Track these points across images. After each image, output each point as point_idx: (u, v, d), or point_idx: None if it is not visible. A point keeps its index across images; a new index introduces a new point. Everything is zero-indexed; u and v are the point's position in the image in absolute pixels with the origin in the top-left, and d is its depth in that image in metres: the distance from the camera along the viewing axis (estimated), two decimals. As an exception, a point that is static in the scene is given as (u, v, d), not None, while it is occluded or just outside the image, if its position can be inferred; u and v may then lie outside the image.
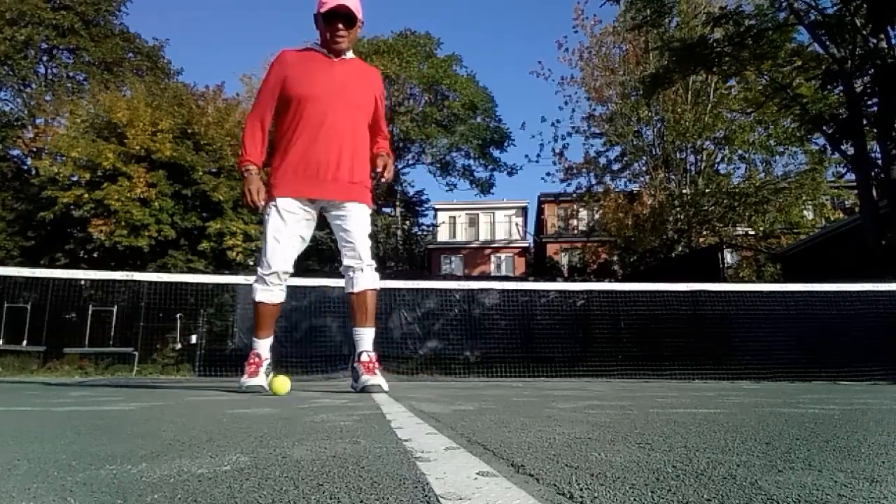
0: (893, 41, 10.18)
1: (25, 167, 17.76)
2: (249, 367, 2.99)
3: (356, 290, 2.97)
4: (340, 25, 2.79)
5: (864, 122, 10.88)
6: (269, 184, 2.89)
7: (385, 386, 2.83)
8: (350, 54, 2.97)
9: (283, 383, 2.73)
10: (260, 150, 2.94)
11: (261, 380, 2.94)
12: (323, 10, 2.75)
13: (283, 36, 59.83)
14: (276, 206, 2.85)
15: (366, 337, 2.98)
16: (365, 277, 2.97)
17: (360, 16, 2.82)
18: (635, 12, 13.77)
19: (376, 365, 2.93)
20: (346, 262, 3.00)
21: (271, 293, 2.93)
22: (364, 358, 2.92)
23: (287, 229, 2.87)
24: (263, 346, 3.05)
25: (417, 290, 9.61)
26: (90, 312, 11.10)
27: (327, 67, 2.88)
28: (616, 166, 20.72)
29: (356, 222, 2.94)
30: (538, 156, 55.89)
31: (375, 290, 3.02)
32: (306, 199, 2.88)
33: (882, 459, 0.89)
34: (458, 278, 19.57)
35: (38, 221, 14.04)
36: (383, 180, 3.06)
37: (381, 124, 3.12)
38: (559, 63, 32.35)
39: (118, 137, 14.04)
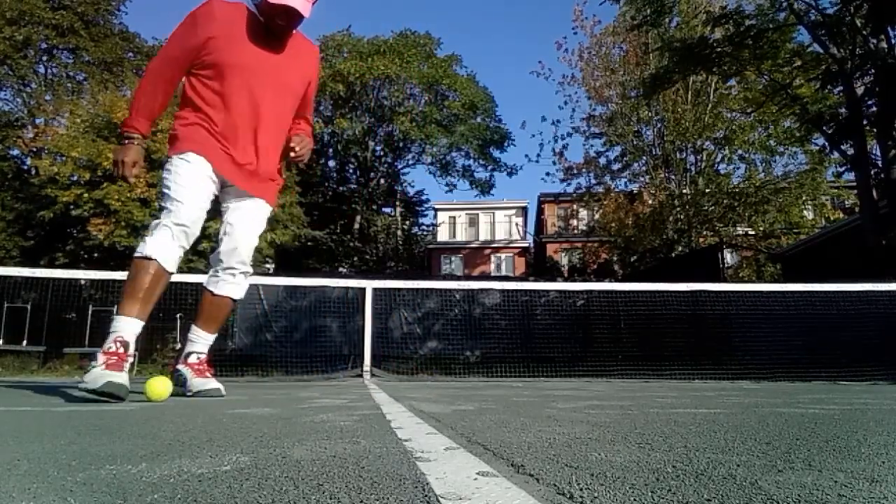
0: (893, 41, 10.18)
1: (25, 167, 17.77)
2: (109, 357, 2.17)
3: (218, 292, 2.62)
4: (281, 23, 2.40)
5: (864, 122, 10.87)
6: (177, 137, 2.42)
7: (222, 389, 2.58)
8: None
9: (161, 386, 2.21)
10: (152, 118, 2.46)
11: (123, 377, 2.13)
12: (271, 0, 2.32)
13: (283, 36, 59.72)
14: (188, 159, 2.36)
15: (205, 341, 2.68)
16: (235, 284, 2.63)
17: (307, 15, 2.40)
18: (635, 11, 13.76)
19: (207, 367, 2.65)
20: (223, 257, 2.59)
21: (168, 251, 2.29)
22: (193, 360, 2.63)
23: (197, 184, 2.36)
24: (130, 329, 2.28)
25: (417, 290, 9.61)
26: (90, 312, 11.09)
27: (262, 37, 2.43)
28: (616, 166, 20.76)
29: (253, 222, 2.59)
30: (538, 156, 56.01)
31: (236, 300, 2.69)
32: (217, 173, 2.42)
33: (882, 459, 0.89)
34: (458, 278, 19.57)
35: (38, 221, 14.04)
36: (296, 159, 2.62)
37: (307, 108, 2.75)
38: (559, 63, 32.42)
39: (118, 137, 14.05)
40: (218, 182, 2.47)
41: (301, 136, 2.62)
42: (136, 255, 2.29)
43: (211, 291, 2.63)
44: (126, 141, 2.41)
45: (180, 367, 2.65)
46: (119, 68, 19.51)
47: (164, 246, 2.28)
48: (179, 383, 2.58)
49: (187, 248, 2.40)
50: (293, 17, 2.39)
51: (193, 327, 2.70)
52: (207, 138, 2.39)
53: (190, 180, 2.35)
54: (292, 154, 2.57)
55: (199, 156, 2.37)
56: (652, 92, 14.72)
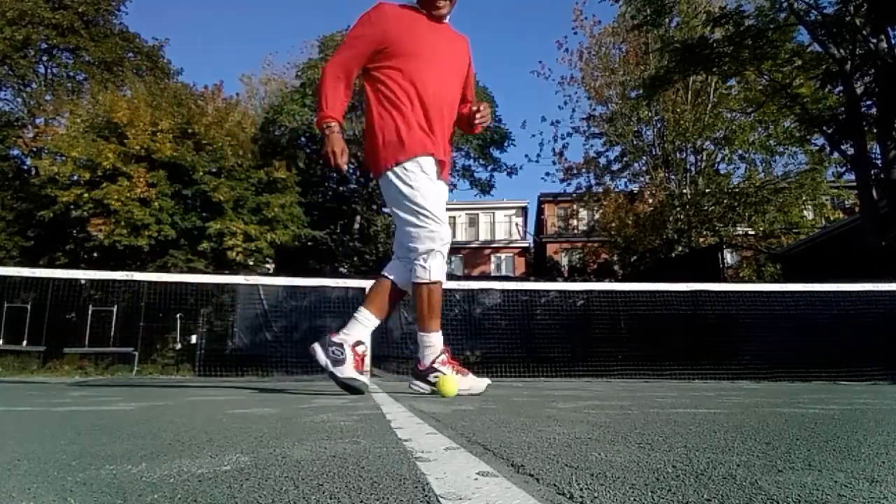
0: (893, 41, 10.18)
1: (25, 167, 17.77)
2: (454, 364, 2.57)
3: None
4: (442, 5, 2.54)
5: (864, 122, 10.87)
6: (393, 143, 2.48)
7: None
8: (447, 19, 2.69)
9: (452, 384, 2.45)
10: (341, 106, 2.57)
11: (472, 381, 2.53)
12: None
13: (282, 35, 59.87)
14: (419, 166, 2.44)
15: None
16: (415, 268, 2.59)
17: None
18: (635, 11, 13.77)
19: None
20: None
21: (444, 271, 2.52)
22: (360, 350, 2.68)
23: (436, 192, 2.48)
24: (440, 340, 2.57)
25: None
26: (90, 312, 11.09)
27: (433, 29, 2.58)
28: (616, 166, 20.77)
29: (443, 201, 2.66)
30: (538, 155, 55.97)
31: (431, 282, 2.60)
32: (437, 161, 2.51)
33: (882, 459, 0.89)
34: (458, 278, 19.57)
35: (38, 221, 14.04)
36: (481, 122, 2.72)
37: (470, 91, 2.85)
38: (559, 63, 32.43)
39: (118, 137, 14.05)
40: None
41: (483, 105, 2.72)
42: (423, 281, 2.51)
43: (393, 283, 2.66)
44: (327, 131, 2.51)
45: (346, 346, 2.66)
46: (119, 68, 19.50)
47: (440, 270, 2.52)
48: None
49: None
50: None
51: (364, 310, 2.71)
52: (423, 137, 2.48)
53: (428, 189, 2.46)
54: (478, 119, 2.66)
55: (426, 157, 2.47)
56: (652, 92, 14.73)
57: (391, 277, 2.68)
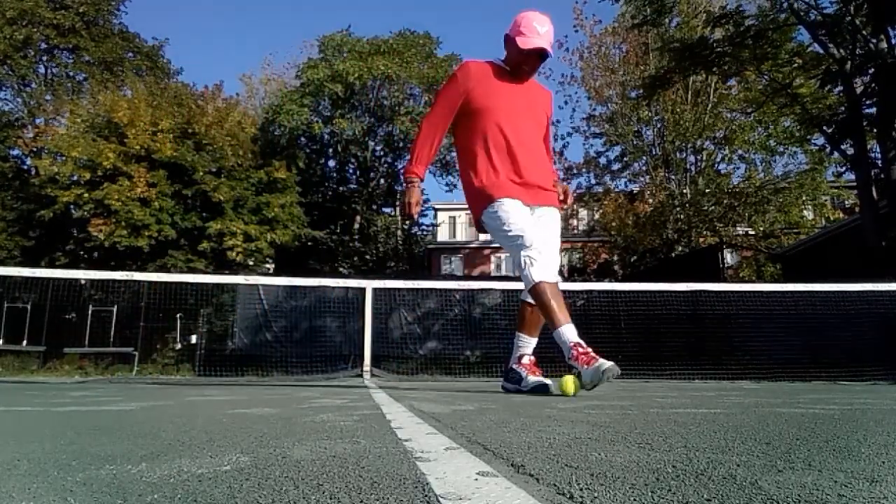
0: (893, 41, 10.18)
1: (25, 166, 17.76)
2: (590, 357, 2.60)
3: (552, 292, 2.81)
4: (528, 68, 2.90)
5: (864, 122, 10.87)
6: (482, 190, 2.82)
7: (552, 387, 2.85)
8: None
9: (572, 384, 2.59)
10: (425, 164, 2.94)
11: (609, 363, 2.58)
12: (525, 47, 2.78)
13: (282, 35, 59.87)
14: (503, 204, 2.77)
15: (528, 344, 3.05)
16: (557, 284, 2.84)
17: (552, 54, 2.88)
18: (635, 11, 13.76)
19: (536, 367, 3.00)
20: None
21: (546, 269, 2.72)
22: (525, 360, 3.02)
23: (523, 216, 2.77)
24: (573, 333, 2.69)
25: (417, 290, 9.60)
26: (90, 312, 11.10)
27: (515, 84, 2.92)
28: (616, 166, 20.76)
29: (555, 228, 2.96)
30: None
31: (553, 283, 2.79)
32: (524, 204, 2.84)
33: (882, 459, 0.89)
34: (458, 278, 19.57)
35: (38, 221, 14.04)
36: (565, 208, 3.07)
37: (548, 144, 3.15)
38: (559, 63, 32.42)
39: (118, 137, 14.04)
40: (532, 212, 2.88)
41: (563, 184, 3.08)
42: (528, 286, 2.76)
43: (529, 303, 2.97)
44: (409, 185, 2.91)
45: (515, 366, 3.04)
46: (119, 68, 19.50)
47: (539, 269, 2.71)
48: (514, 381, 3.02)
49: (551, 258, 2.79)
50: (543, 58, 2.89)
51: (519, 334, 3.09)
52: (505, 181, 2.81)
53: (510, 215, 2.76)
54: (564, 205, 3.01)
55: (510, 199, 2.79)
56: (652, 92, 14.73)
57: (522, 298, 3.08)
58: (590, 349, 2.61)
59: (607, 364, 2.50)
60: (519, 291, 3.24)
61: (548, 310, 2.69)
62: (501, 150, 2.82)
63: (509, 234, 2.75)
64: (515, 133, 2.83)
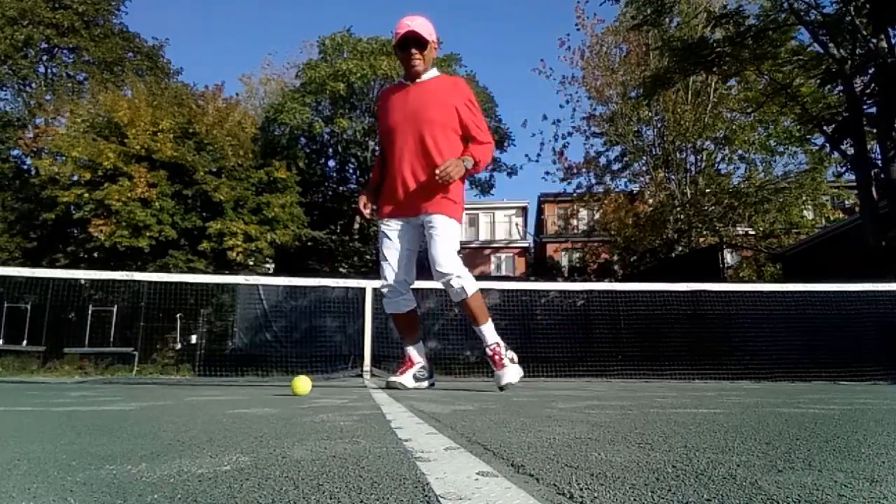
0: (893, 41, 10.17)
1: (26, 166, 17.76)
2: (400, 367, 3.30)
3: (454, 300, 3.19)
4: (414, 50, 3.03)
5: (864, 122, 10.87)
6: (374, 209, 3.32)
7: (511, 377, 3.08)
8: (431, 73, 3.18)
9: (301, 384, 2.75)
10: (374, 178, 3.38)
11: (404, 379, 3.23)
12: (395, 41, 3.07)
13: (282, 35, 59.87)
14: (379, 226, 3.24)
15: (483, 333, 3.17)
16: (453, 289, 3.11)
17: (430, 37, 3.04)
18: (636, 11, 13.76)
19: (502, 357, 3.11)
20: (435, 277, 3.19)
21: (395, 303, 3.24)
22: (487, 352, 3.17)
23: (392, 245, 3.19)
24: (412, 350, 3.34)
25: (417, 289, 9.58)
26: (90, 312, 11.10)
27: (403, 96, 3.15)
28: (616, 166, 20.74)
29: (434, 234, 3.09)
30: (538, 155, 55.77)
31: (466, 297, 3.12)
32: (398, 218, 3.19)
33: (882, 459, 0.89)
34: (458, 278, 19.50)
35: (39, 222, 14.04)
36: (442, 179, 3.02)
37: (470, 130, 3.17)
38: (560, 62, 32.43)
39: (119, 137, 14.04)
40: (410, 223, 3.20)
41: (447, 161, 3.04)
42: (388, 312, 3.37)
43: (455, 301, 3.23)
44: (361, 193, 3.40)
45: (488, 358, 3.27)
46: (119, 68, 19.50)
47: (387, 304, 3.34)
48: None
49: (403, 292, 3.29)
50: (416, 42, 3.02)
51: (474, 328, 3.26)
52: (385, 201, 3.22)
53: (381, 247, 3.25)
54: (438, 176, 3.00)
55: (382, 219, 3.23)
56: (652, 93, 14.72)
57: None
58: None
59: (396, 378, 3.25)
60: (518, 291, 3.37)
61: (399, 332, 3.40)
62: (390, 166, 3.16)
63: (379, 259, 3.28)
64: (397, 146, 3.10)
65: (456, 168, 3.02)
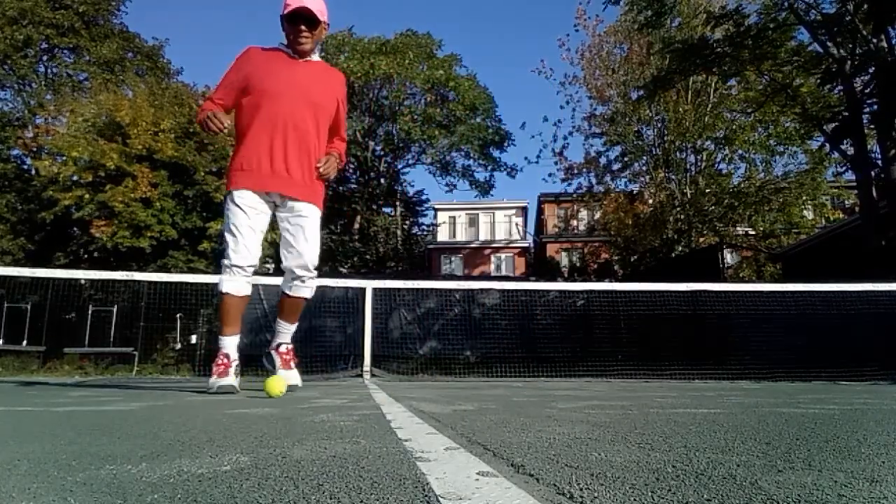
0: (893, 41, 10.17)
1: (26, 166, 17.75)
2: (217, 368, 2.88)
3: (293, 294, 3.08)
4: (303, 27, 2.80)
5: (865, 121, 10.88)
6: (227, 177, 2.91)
7: (299, 381, 3.11)
8: (315, 56, 2.96)
9: (277, 384, 2.65)
10: (219, 107, 2.89)
11: (231, 379, 2.85)
12: (285, 11, 2.77)
13: (282, 35, 59.69)
14: (232, 198, 2.83)
15: (289, 331, 3.18)
16: (306, 287, 3.06)
17: (323, 18, 2.83)
18: (636, 12, 13.76)
19: (293, 357, 3.16)
20: (287, 263, 3.00)
21: (237, 283, 2.88)
22: (283, 349, 3.16)
23: (247, 221, 2.85)
24: (230, 345, 2.95)
25: (417, 290, 9.59)
26: (90, 312, 11.10)
27: (291, 66, 2.87)
28: (616, 166, 20.75)
29: (306, 225, 2.93)
30: (538, 157, 55.80)
31: (310, 298, 3.12)
32: (263, 192, 2.86)
33: (882, 459, 0.89)
34: (458, 278, 19.56)
35: (40, 223, 14.03)
36: (323, 177, 2.96)
37: (340, 128, 3.10)
38: (561, 62, 32.44)
39: (121, 137, 14.03)
40: (268, 201, 2.90)
41: (328, 156, 2.96)
42: (219, 292, 2.93)
43: (287, 294, 3.10)
44: (210, 111, 2.84)
45: (272, 352, 3.20)
46: (120, 68, 19.49)
47: (228, 282, 2.90)
48: (271, 366, 3.17)
49: (247, 274, 2.92)
50: (308, 20, 2.80)
51: (278, 321, 3.19)
52: (250, 170, 2.83)
53: (235, 221, 2.84)
54: (319, 172, 2.90)
55: (241, 190, 2.83)
56: (653, 94, 14.73)
57: (282, 289, 3.23)
58: (223, 362, 2.90)
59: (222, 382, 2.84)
60: (518, 291, 3.29)
61: (222, 317, 2.96)
62: (264, 135, 2.80)
63: (226, 232, 2.90)
64: (281, 116, 2.80)
65: (334, 167, 2.99)
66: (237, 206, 2.83)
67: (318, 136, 2.92)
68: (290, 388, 2.94)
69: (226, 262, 2.86)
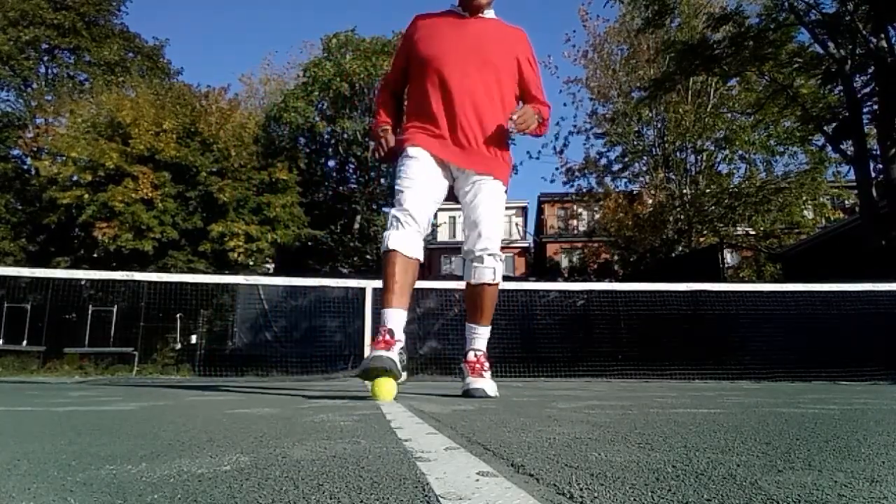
0: (893, 41, 10.18)
1: (26, 166, 17.76)
2: (377, 344, 2.27)
3: (472, 281, 2.64)
4: None
5: (865, 121, 10.88)
6: (399, 139, 2.62)
7: (491, 391, 2.55)
8: (491, 13, 2.66)
9: (385, 387, 2.20)
10: (391, 114, 2.73)
11: (393, 355, 2.21)
12: None
13: (282, 35, 59.84)
14: (407, 154, 2.52)
15: (478, 335, 2.71)
16: (487, 269, 2.59)
17: None
18: (637, 13, 13.77)
19: (484, 365, 2.65)
20: (467, 245, 2.62)
21: (405, 237, 2.41)
22: (471, 357, 2.67)
23: (422, 173, 2.49)
24: (393, 319, 2.33)
25: (417, 289, 9.56)
26: (90, 312, 11.11)
27: (460, 26, 2.60)
28: (616, 167, 20.75)
29: (486, 200, 2.57)
30: (539, 153, 55.66)
31: (495, 285, 2.64)
32: (439, 159, 2.54)
33: (882, 459, 0.89)
34: (459, 278, 19.52)
35: (43, 226, 14.04)
36: (519, 129, 2.52)
37: (531, 90, 2.71)
38: (563, 59, 32.40)
39: (122, 138, 14.02)
40: (446, 172, 2.59)
41: (522, 108, 2.58)
42: (384, 248, 2.45)
43: (469, 283, 2.67)
44: (381, 132, 2.68)
45: (462, 364, 2.73)
46: (120, 68, 19.50)
47: (396, 237, 2.42)
48: (461, 377, 2.74)
49: (420, 228, 2.46)
50: None
51: (468, 325, 2.76)
52: (424, 135, 2.53)
53: (407, 171, 2.49)
54: (510, 123, 2.50)
55: (416, 147, 2.52)
56: (655, 96, 14.74)
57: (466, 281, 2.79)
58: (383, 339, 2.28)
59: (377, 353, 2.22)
60: (518, 291, 3.17)
61: (386, 282, 2.40)
62: (429, 102, 2.53)
63: (397, 182, 2.52)
64: (451, 80, 2.51)
65: (532, 118, 2.54)
66: (412, 157, 2.50)
67: (497, 101, 2.59)
68: (478, 396, 2.50)
69: (394, 210, 2.45)
